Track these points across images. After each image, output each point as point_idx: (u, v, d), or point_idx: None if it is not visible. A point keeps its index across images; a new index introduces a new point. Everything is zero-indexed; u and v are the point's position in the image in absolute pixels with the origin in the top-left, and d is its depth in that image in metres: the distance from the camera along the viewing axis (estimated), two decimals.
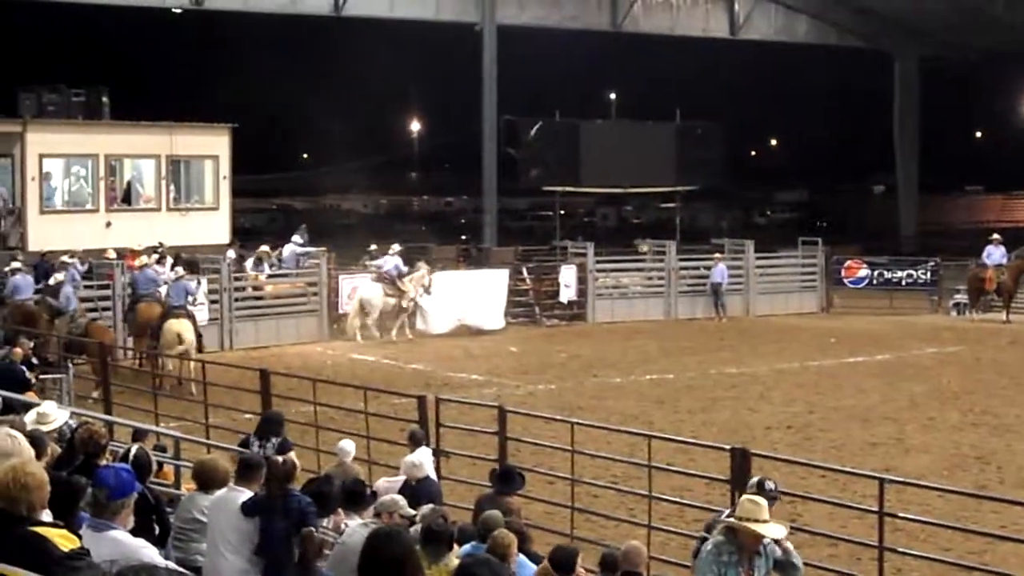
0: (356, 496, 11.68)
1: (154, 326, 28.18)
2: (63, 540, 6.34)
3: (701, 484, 15.38)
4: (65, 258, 31.58)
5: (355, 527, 10.68)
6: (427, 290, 36.21)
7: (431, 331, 36.26)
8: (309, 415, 19.11)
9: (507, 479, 13.33)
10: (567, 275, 39.79)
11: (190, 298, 29.52)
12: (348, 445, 15.17)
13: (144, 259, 32.24)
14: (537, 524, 14.35)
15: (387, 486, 13.44)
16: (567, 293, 39.77)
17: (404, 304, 35.86)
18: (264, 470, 11.13)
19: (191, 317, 28.38)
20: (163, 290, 29.66)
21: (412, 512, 11.27)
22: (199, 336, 28.39)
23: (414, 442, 14.78)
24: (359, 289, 35.59)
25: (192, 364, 25.54)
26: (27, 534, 6.25)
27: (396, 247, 37.75)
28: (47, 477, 6.64)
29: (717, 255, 42.13)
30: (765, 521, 9.59)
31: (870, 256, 47.16)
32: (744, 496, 10.13)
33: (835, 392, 27.15)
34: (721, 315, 40.84)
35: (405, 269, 36.31)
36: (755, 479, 11.18)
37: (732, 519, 9.81)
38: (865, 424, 23.42)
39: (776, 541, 9.76)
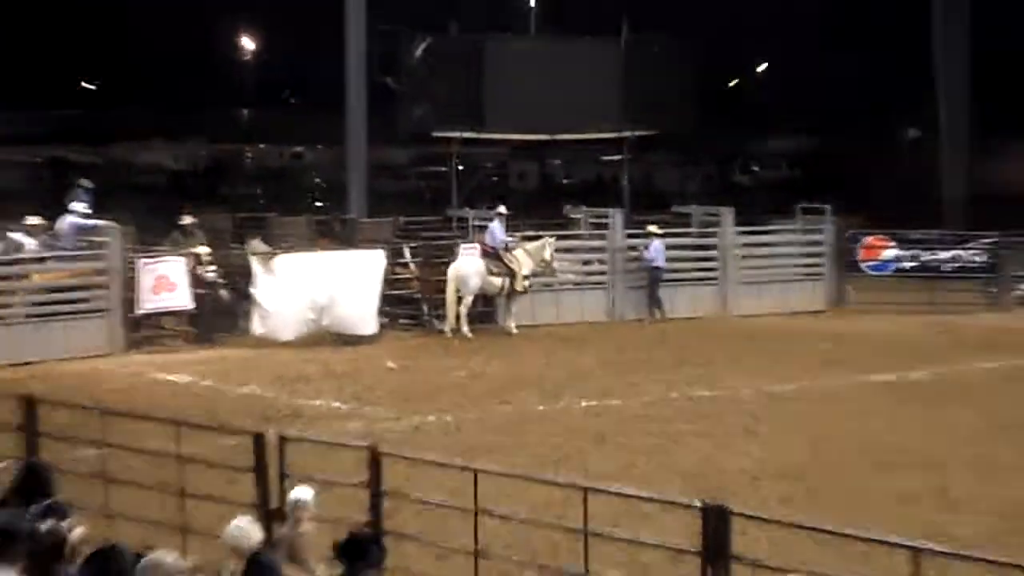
0: None
1: None
2: None
3: (661, 557, 15.49)
4: None
5: None
6: (548, 266, 39.49)
7: (273, 337, 36.32)
8: (96, 462, 19.02)
9: (358, 552, 12.98)
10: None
11: None
12: (244, 524, 14.43)
13: None
14: None
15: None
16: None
17: (517, 287, 38.69)
18: (28, 543, 11.07)
19: None
20: None
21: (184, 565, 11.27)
22: None
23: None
24: (454, 264, 38.11)
25: None
26: None
27: (501, 208, 41.13)
28: None
29: (651, 227, 42.54)
30: None
31: (899, 230, 47.65)
32: None
33: (848, 424, 27.43)
34: (658, 313, 41.36)
35: (508, 239, 39.09)
36: None
37: None
38: (891, 469, 23.67)
39: None
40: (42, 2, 62.38)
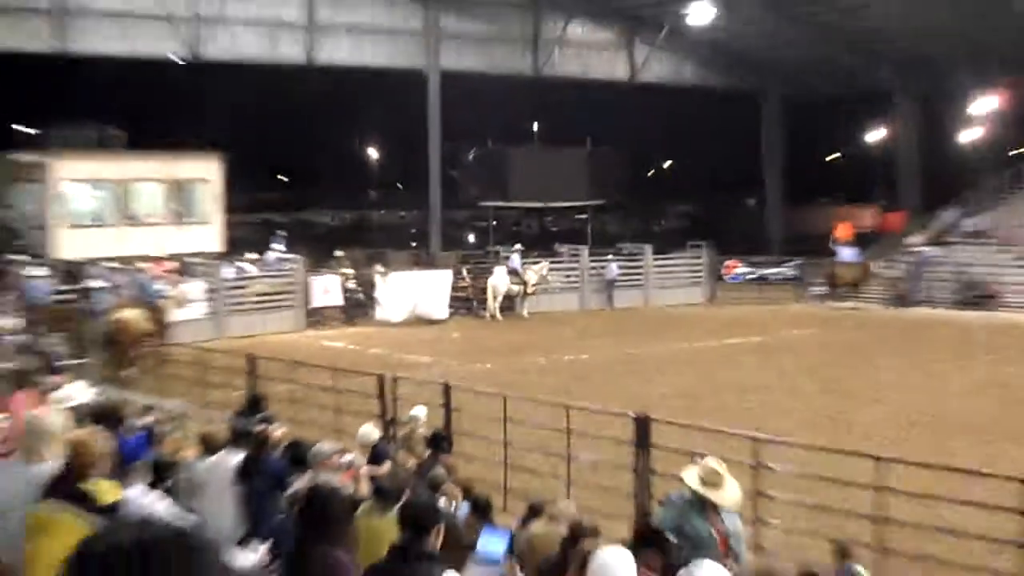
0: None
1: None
2: (107, 494, 6.43)
3: (611, 445, 15.51)
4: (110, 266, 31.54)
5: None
6: (545, 279, 39.76)
7: (388, 321, 36.36)
8: (287, 392, 19.12)
9: (438, 443, 13.46)
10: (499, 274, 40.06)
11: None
12: (367, 428, 14.08)
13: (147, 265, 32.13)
14: (477, 478, 14.42)
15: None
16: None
17: (528, 291, 38.80)
18: (251, 438, 11.17)
19: (152, 308, 27.43)
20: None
21: (345, 457, 11.36)
22: (162, 326, 27.53)
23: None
24: (491, 278, 38.27)
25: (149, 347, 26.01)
26: (76, 490, 6.34)
27: (518, 246, 41.66)
28: (104, 449, 6.68)
29: (610, 255, 42.93)
30: (722, 487, 9.01)
31: (745, 256, 47.67)
32: (707, 459, 9.30)
33: (718, 367, 27.39)
34: (609, 306, 41.53)
35: (520, 265, 39.39)
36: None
37: (696, 480, 9.05)
38: (742, 392, 23.65)
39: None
40: (259, 131, 62.67)
